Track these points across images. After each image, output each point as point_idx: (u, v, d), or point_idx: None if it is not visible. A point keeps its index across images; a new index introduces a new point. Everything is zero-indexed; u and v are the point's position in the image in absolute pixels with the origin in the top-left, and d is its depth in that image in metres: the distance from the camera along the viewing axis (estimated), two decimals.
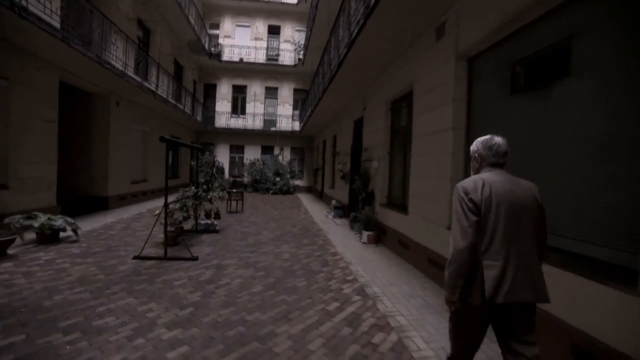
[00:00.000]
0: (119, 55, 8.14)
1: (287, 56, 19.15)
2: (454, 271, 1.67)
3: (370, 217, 6.57)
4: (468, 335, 1.82)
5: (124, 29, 8.74)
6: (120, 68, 8.11)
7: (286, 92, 19.88)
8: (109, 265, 4.54)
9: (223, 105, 19.32)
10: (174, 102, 12.17)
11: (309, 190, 19.93)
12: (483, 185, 1.70)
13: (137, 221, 7.97)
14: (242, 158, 19.75)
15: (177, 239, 5.97)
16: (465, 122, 4.18)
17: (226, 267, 4.76)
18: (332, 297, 3.78)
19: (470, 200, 1.69)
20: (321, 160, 15.89)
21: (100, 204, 9.20)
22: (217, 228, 7.25)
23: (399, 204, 6.09)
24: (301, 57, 18.50)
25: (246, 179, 19.20)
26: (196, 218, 7.11)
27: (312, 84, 12.49)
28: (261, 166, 18.88)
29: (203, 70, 18.90)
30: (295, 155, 20.29)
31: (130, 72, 8.80)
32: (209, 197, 7.51)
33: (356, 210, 8.27)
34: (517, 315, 1.68)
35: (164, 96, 11.26)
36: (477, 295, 1.65)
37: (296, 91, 20.02)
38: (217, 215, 7.75)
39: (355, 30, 5.30)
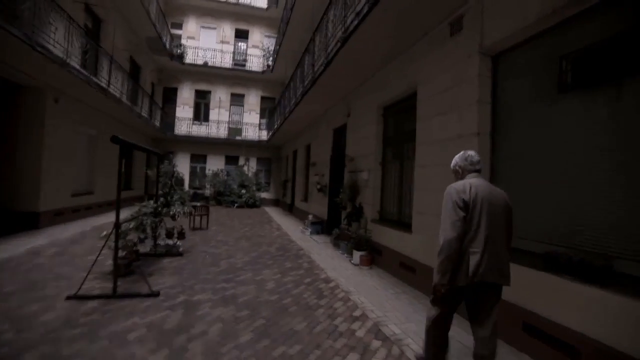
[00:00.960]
0: (59, 39, 6.67)
1: (255, 62, 18.21)
2: (445, 258, 2.03)
3: (362, 236, 5.82)
4: (445, 313, 2.21)
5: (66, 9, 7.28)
6: (61, 55, 6.64)
7: (253, 100, 18.83)
8: (27, 313, 3.22)
9: (184, 111, 17.71)
10: (128, 103, 10.60)
11: (276, 203, 18.82)
12: (470, 188, 2.10)
13: (77, 243, 6.42)
14: (204, 168, 18.16)
15: (130, 267, 4.71)
16: (490, 127, 3.63)
17: (198, 305, 3.67)
18: (345, 345, 2.91)
19: (462, 199, 2.06)
20: (291, 171, 14.99)
21: (28, 222, 7.41)
22: (180, 250, 6.03)
23: (396, 221, 5.42)
24: (270, 63, 17.67)
25: (208, 191, 17.62)
26: (155, 239, 5.82)
27: (285, 89, 11.69)
28: (225, 177, 17.45)
29: (163, 72, 17.24)
30: (261, 166, 19.15)
31: (75, 64, 7.31)
32: (171, 213, 6.25)
33: (339, 226, 7.49)
34: (484, 293, 2.09)
35: (117, 95, 9.71)
36: (463, 277, 2.03)
37: (264, 99, 19.06)
38: (181, 235, 6.50)
39: (355, 22, 4.63)
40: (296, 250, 6.84)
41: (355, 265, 5.68)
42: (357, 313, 3.65)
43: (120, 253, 4.62)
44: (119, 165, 3.99)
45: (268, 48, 18.10)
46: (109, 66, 9.10)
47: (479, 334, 2.13)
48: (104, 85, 8.73)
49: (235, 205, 16.34)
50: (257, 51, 18.39)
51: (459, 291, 2.11)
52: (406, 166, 5.40)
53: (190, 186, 17.53)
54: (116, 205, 3.87)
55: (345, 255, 6.33)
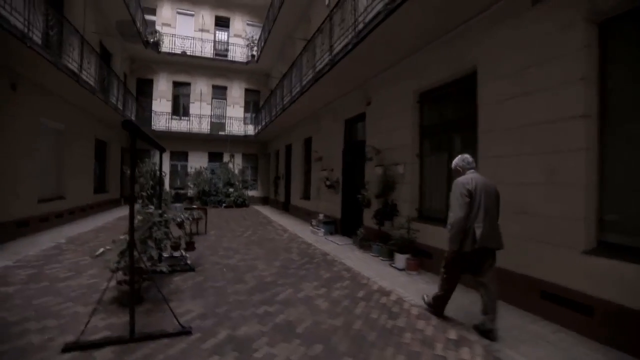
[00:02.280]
0: (17, 7, 5.24)
1: (238, 52, 16.86)
2: (457, 231, 2.84)
3: (404, 237, 5.08)
4: (455, 277, 3.09)
5: None
6: (20, 27, 5.22)
7: (237, 92, 17.48)
8: None
9: (162, 104, 16.02)
10: (101, 94, 9.06)
11: (265, 201, 17.70)
12: (472, 180, 2.92)
13: (54, 261, 5.11)
14: (186, 166, 16.62)
15: (139, 291, 3.63)
16: (597, 108, 3.00)
17: (250, 342, 2.74)
18: None
19: (467, 189, 2.86)
20: (284, 167, 13.98)
21: None
22: (189, 263, 4.96)
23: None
24: (255, 53, 16.43)
25: (191, 191, 16.12)
26: (160, 251, 4.71)
27: (283, 78, 10.65)
28: (210, 176, 16.05)
29: (136, 62, 15.41)
30: (247, 162, 17.91)
31: (37, 39, 5.86)
32: (178, 220, 5.16)
33: (360, 226, 6.73)
34: (485, 256, 2.89)
35: (91, 83, 8.20)
36: (469, 245, 2.82)
37: (248, 92, 17.77)
38: (190, 245, 5.35)
39: None
40: (321, 255, 5.98)
41: (400, 270, 4.94)
42: (452, 335, 2.91)
43: (120, 273, 3.55)
44: (132, 153, 2.87)
45: (252, 37, 16.81)
46: (80, 48, 7.59)
47: (481, 280, 2.93)
48: (74, 69, 7.24)
49: (224, 205, 15.05)
50: (240, 40, 17.03)
51: (464, 256, 2.89)
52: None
53: (170, 186, 15.94)
54: (129, 216, 2.79)
55: (381, 258, 5.58)
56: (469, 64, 4.31)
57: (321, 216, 8.28)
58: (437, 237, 4.70)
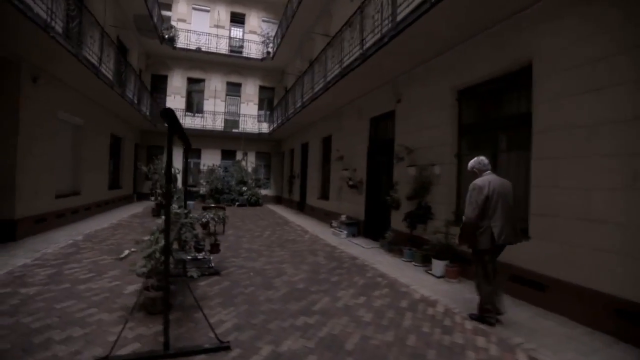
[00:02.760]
0: None
1: (254, 49, 16.61)
2: (468, 232, 3.11)
3: (442, 242, 4.73)
4: (487, 269, 3.12)
5: None
6: (43, 15, 5.00)
7: (251, 90, 17.24)
8: None
9: (175, 101, 15.85)
10: (119, 88, 8.86)
11: (277, 200, 17.44)
12: (488, 182, 3.05)
13: (72, 260, 4.88)
14: (199, 164, 16.44)
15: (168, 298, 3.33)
16: None
17: None
18: None
19: (483, 193, 3.00)
20: (299, 166, 13.68)
21: (3, 233, 5.71)
22: (213, 266, 4.68)
23: None
24: (270, 50, 16.16)
25: (203, 189, 15.93)
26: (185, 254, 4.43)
27: (303, 75, 10.34)
28: (223, 173, 15.84)
29: (151, 57, 15.26)
30: (260, 160, 17.66)
31: (58, 28, 5.64)
32: (203, 220, 4.89)
33: (388, 228, 6.39)
34: (501, 251, 3.14)
35: (109, 76, 7.99)
36: (488, 242, 3.00)
37: (262, 89, 17.51)
38: (215, 248, 5.07)
39: None
40: (349, 259, 5.65)
41: (439, 277, 4.59)
42: (521, 357, 2.55)
43: (147, 280, 3.28)
44: (169, 143, 2.55)
45: (267, 34, 16.54)
46: (101, 40, 7.38)
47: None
48: (95, 62, 7.03)
49: (237, 203, 14.81)
50: (255, 37, 16.77)
51: (485, 253, 3.07)
52: (504, 158, 4.36)
53: (182, 183, 15.76)
54: (165, 217, 2.50)
55: (414, 263, 5.23)
56: (522, 57, 3.93)
57: (343, 217, 7.95)
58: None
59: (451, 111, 5.12)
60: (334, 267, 5.11)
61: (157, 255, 3.56)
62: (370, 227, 7.42)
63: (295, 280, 4.36)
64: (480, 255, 3.12)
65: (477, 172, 3.25)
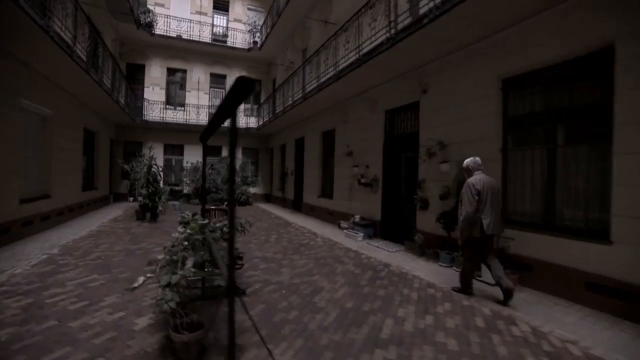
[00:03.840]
0: None
1: (239, 38, 15.43)
2: (467, 223, 3.47)
3: (497, 247, 4.22)
4: (473, 257, 3.64)
5: None
6: None
7: None
8: None
9: (154, 92, 14.37)
10: (96, 74, 7.57)
11: (267, 199, 16.50)
12: (480, 181, 3.48)
13: (54, 283, 3.85)
14: (181, 161, 15.11)
15: (201, 342, 2.51)
16: None
17: None
18: None
19: (476, 189, 3.43)
20: (293, 163, 12.86)
21: None
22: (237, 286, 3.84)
23: (559, 226, 3.89)
24: (257, 40, 15.08)
25: (187, 188, 14.68)
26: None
27: (304, 64, 9.49)
28: (210, 171, 14.63)
29: (126, 44, 13.66)
30: (247, 157, 16.58)
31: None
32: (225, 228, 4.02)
33: (412, 230, 5.84)
34: (490, 239, 3.55)
35: (83, 58, 6.74)
36: (478, 233, 3.44)
37: None
38: (238, 260, 4.18)
39: None
40: (383, 266, 5.01)
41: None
42: None
43: (174, 318, 2.45)
44: (231, 137, 1.76)
45: (254, 22, 15.41)
46: (74, 15, 6.12)
47: (491, 262, 3.57)
48: (68, 39, 5.81)
49: (225, 203, 13.71)
50: (240, 25, 15.59)
51: (475, 240, 3.51)
52: (566, 153, 3.90)
53: (164, 182, 14.40)
54: (230, 230, 1.71)
55: (455, 269, 4.70)
56: (598, 39, 3.45)
57: (357, 218, 7.31)
58: (539, 247, 3.89)
59: (495, 102, 4.61)
60: (371, 277, 4.46)
61: (184, 281, 2.73)
62: (388, 228, 6.84)
63: (338, 298, 3.66)
64: (471, 245, 3.58)
65: (470, 170, 3.67)
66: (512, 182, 4.49)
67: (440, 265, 4.97)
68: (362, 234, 6.88)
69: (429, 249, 5.40)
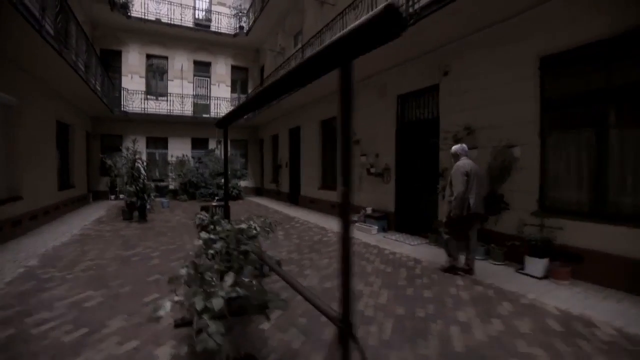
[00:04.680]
0: None
1: (224, 23, 14.35)
2: (460, 202, 3.73)
3: (537, 236, 3.87)
4: (459, 230, 3.90)
5: None
6: None
7: (222, 70, 15.02)
8: None
9: (133, 81, 13.13)
10: (69, 55, 6.53)
11: (257, 192, 15.76)
12: (467, 165, 3.80)
13: (39, 304, 3.12)
14: (166, 154, 14.03)
15: None
16: None
17: None
18: None
19: (465, 171, 3.74)
20: (287, 153, 12.19)
21: None
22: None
23: (614, 213, 3.57)
24: (244, 25, 14.08)
25: (173, 183, 13.69)
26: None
27: (304, 47, 8.76)
28: (197, 165, 13.71)
29: (99, 28, 12.28)
30: (235, 149, 15.67)
31: None
32: (254, 232, 3.41)
33: (430, 221, 5.46)
34: (475, 219, 3.91)
35: (51, 33, 5.73)
36: (466, 211, 3.75)
37: (235, 69, 15.38)
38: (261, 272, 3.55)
39: None
40: (413, 262, 4.57)
41: (540, 278, 3.73)
42: None
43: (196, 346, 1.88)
44: (344, 122, 1.18)
45: (240, 5, 14.35)
46: None
47: (469, 234, 3.93)
48: (36, 11, 4.84)
49: (216, 198, 12.87)
50: (224, 9, 14.49)
51: (462, 218, 3.79)
52: (621, 136, 3.56)
53: (148, 177, 13.31)
54: (343, 245, 1.15)
55: (492, 262, 4.35)
56: None
57: (369, 210, 6.84)
58: (592, 236, 3.57)
59: (532, 83, 4.21)
60: (408, 276, 4.00)
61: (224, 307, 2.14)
62: (403, 220, 6.43)
63: (384, 304, 3.18)
64: (458, 223, 3.85)
65: (458, 155, 3.96)
66: (553, 168, 4.14)
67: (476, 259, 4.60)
68: (376, 227, 6.43)
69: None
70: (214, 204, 6.84)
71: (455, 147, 4.02)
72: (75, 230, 6.78)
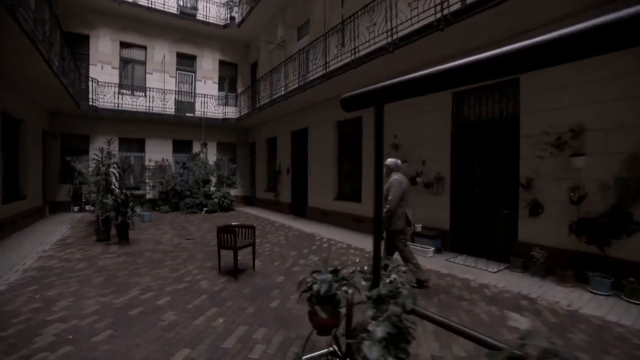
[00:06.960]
0: None
1: (213, 12, 12.67)
2: (391, 215, 3.72)
3: None
4: (405, 242, 3.89)
5: None
6: None
7: (209, 64, 13.27)
8: None
9: (104, 72, 11.00)
10: (25, 22, 4.68)
11: (247, 201, 14.06)
12: (403, 179, 3.86)
13: None
14: (142, 158, 11.95)
15: None
16: None
17: None
18: None
19: (401, 185, 3.78)
20: (289, 159, 10.76)
21: None
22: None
23: None
24: (236, 15, 12.52)
25: (151, 192, 11.67)
26: None
27: (325, 36, 7.40)
28: (180, 171, 11.79)
29: (61, 6, 10.05)
30: (222, 153, 13.90)
31: None
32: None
33: (505, 241, 4.44)
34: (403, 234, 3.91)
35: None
36: (404, 224, 3.80)
37: (223, 65, 13.68)
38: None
39: None
40: (528, 302, 3.41)
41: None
42: None
43: None
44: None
45: None
46: None
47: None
48: None
49: (205, 209, 11.07)
50: None
51: (404, 231, 3.87)
52: None
53: (120, 185, 11.15)
54: None
55: (624, 298, 3.33)
56: None
57: (418, 227, 5.66)
58: None
59: None
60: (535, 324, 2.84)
61: None
62: (461, 239, 5.34)
63: None
64: (399, 236, 3.81)
65: (391, 170, 3.91)
66: None
67: (591, 292, 3.57)
68: (432, 249, 5.27)
69: (556, 268, 3.99)
70: (234, 223, 5.24)
71: (391, 161, 3.97)
72: (30, 260, 4.85)
